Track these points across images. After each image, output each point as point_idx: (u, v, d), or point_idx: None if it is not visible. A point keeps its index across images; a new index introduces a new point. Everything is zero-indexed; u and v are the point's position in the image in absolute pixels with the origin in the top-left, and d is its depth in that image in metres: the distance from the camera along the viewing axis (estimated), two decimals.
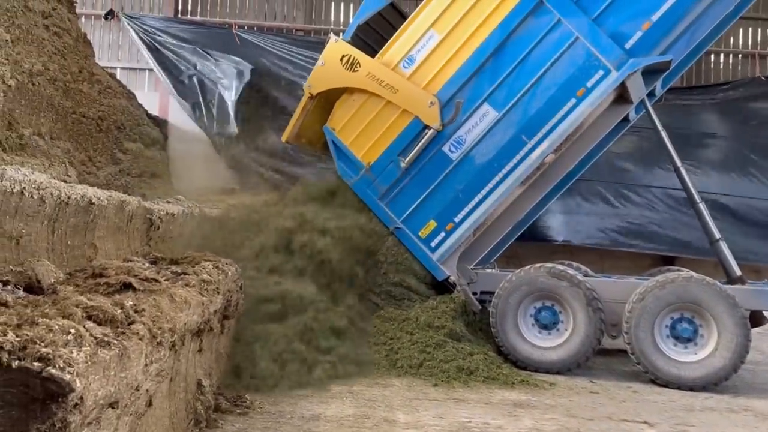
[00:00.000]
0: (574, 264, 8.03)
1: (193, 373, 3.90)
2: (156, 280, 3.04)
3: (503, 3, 6.81)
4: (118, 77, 11.41)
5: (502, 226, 7.33)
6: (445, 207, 7.09)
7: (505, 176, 6.88)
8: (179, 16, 13.12)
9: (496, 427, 4.57)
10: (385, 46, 7.34)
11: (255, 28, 12.81)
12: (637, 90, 6.79)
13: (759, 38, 13.45)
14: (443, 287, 7.21)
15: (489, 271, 7.43)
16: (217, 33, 11.50)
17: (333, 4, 13.34)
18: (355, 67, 7.22)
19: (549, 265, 6.72)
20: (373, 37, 7.97)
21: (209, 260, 4.41)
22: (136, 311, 2.44)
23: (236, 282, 4.81)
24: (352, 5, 13.32)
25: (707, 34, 7.00)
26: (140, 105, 10.86)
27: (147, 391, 2.57)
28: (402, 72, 7.12)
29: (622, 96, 6.81)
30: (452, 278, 7.04)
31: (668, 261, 10.76)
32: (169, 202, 6.44)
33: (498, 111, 6.85)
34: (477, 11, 6.89)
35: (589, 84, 6.59)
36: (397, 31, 7.30)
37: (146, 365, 2.34)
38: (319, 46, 11.31)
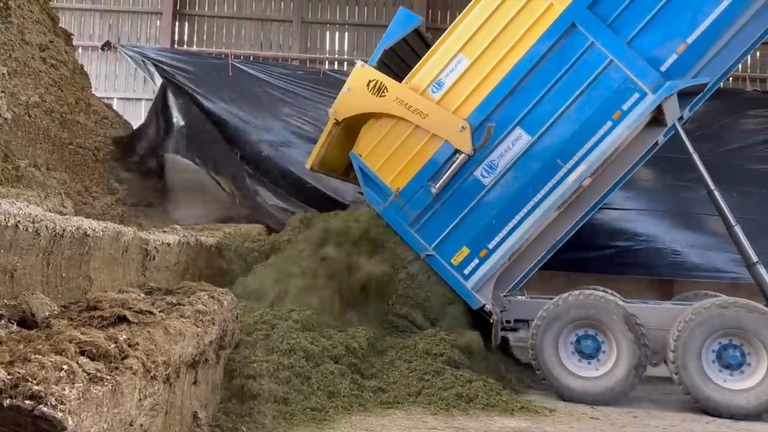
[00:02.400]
0: (600, 288, 7.83)
1: (189, 406, 3.86)
2: (150, 312, 3.02)
3: (534, 27, 6.75)
4: (114, 107, 11.48)
5: (535, 252, 7.11)
6: (479, 233, 6.94)
7: (541, 200, 6.77)
8: (176, 46, 13.26)
9: None
10: (413, 70, 7.28)
11: (251, 58, 12.94)
12: (672, 112, 6.73)
13: (749, 61, 13.62)
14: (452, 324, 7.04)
15: (521, 298, 7.22)
16: (213, 63, 11.60)
17: (327, 33, 13.51)
18: (383, 92, 7.16)
19: (589, 291, 6.60)
20: (395, 62, 7.94)
21: (205, 290, 4.39)
22: (129, 345, 2.42)
23: (232, 311, 4.78)
24: (346, 35, 13.49)
25: (737, 57, 6.92)
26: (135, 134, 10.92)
27: (141, 425, 2.54)
28: (431, 96, 7.06)
29: (656, 118, 6.71)
30: (488, 307, 6.83)
31: (666, 284, 10.76)
32: (164, 231, 6.44)
33: (531, 135, 6.77)
34: (507, 35, 6.84)
35: (624, 107, 6.54)
36: (425, 56, 7.24)
37: (140, 400, 2.32)
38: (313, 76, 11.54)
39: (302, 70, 12.24)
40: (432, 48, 7.25)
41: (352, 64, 13.40)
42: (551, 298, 7.01)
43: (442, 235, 7.02)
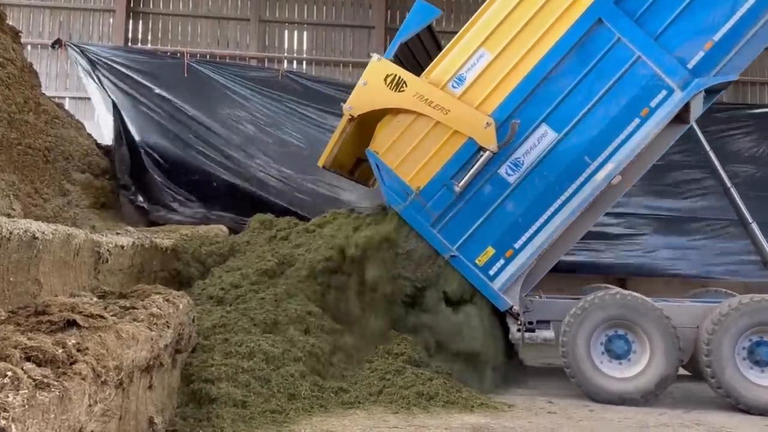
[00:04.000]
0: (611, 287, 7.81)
1: (144, 411, 3.78)
2: (102, 316, 2.95)
3: (559, 21, 6.62)
4: (66, 107, 11.16)
5: (558, 251, 6.97)
6: (504, 233, 6.77)
7: (568, 199, 6.65)
8: (129, 44, 12.97)
9: None
10: (431, 65, 7.05)
11: (207, 56, 12.74)
12: (697, 110, 6.69)
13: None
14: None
15: (541, 298, 7.10)
16: (167, 63, 11.37)
17: (286, 32, 13.40)
18: (401, 87, 6.88)
19: (618, 290, 6.57)
20: (406, 57, 7.69)
21: (159, 293, 4.30)
22: (79, 350, 2.35)
23: (188, 314, 4.70)
24: (305, 34, 13.40)
25: (753, 56, 6.81)
26: (89, 135, 10.65)
27: (92, 431, 2.48)
28: (451, 92, 6.83)
29: (678, 116, 6.63)
30: (515, 308, 6.69)
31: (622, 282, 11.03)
32: (118, 233, 6.29)
33: (557, 132, 6.65)
34: (531, 29, 6.69)
35: (652, 104, 6.48)
36: (443, 50, 7.03)
37: (90, 405, 2.26)
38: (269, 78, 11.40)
39: (260, 69, 12.11)
40: (451, 42, 7.01)
41: (311, 63, 13.38)
42: (573, 299, 7.03)
43: (466, 235, 6.82)
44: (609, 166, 6.55)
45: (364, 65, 13.20)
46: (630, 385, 6.22)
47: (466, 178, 6.70)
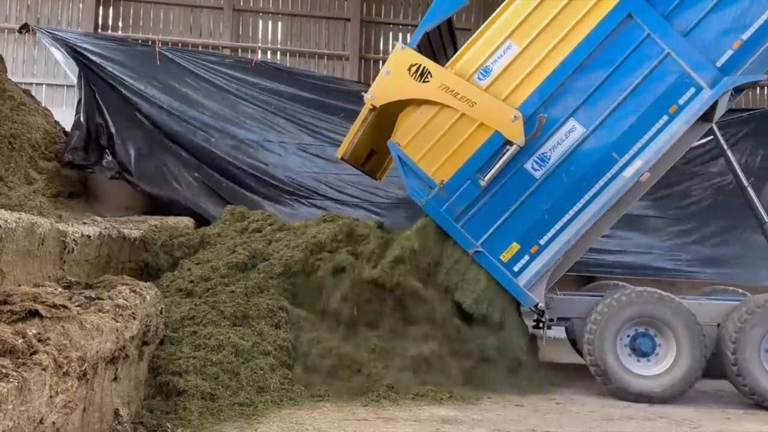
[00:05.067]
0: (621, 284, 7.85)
1: (110, 403, 3.73)
2: (65, 307, 2.89)
3: (589, 15, 6.55)
4: (33, 93, 10.89)
5: (580, 248, 6.90)
6: (530, 228, 6.65)
7: (595, 195, 6.56)
8: (99, 31, 12.71)
9: None
10: (456, 55, 6.92)
11: (180, 45, 12.54)
12: (722, 109, 6.70)
13: None
14: None
15: (562, 295, 7.01)
16: (139, 51, 11.16)
17: (261, 22, 13.25)
18: (426, 77, 6.72)
19: (646, 288, 6.59)
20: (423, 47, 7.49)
21: (126, 284, 4.24)
22: (40, 340, 2.31)
23: (156, 306, 4.64)
24: (279, 24, 13.27)
25: None
26: (57, 122, 10.41)
27: (53, 423, 2.43)
28: (477, 83, 6.69)
29: (703, 114, 6.58)
30: (541, 305, 6.61)
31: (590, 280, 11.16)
32: (85, 223, 6.16)
33: (586, 127, 6.57)
34: (559, 23, 6.60)
35: (680, 101, 6.45)
36: (469, 41, 6.90)
37: (51, 397, 2.22)
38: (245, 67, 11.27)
39: (233, 59, 11.96)
40: (477, 32, 6.90)
41: (285, 54, 13.27)
42: (592, 296, 7.02)
43: (490, 231, 6.69)
44: (637, 163, 6.49)
45: (339, 57, 13.34)
46: (656, 382, 6.26)
47: (491, 172, 6.58)
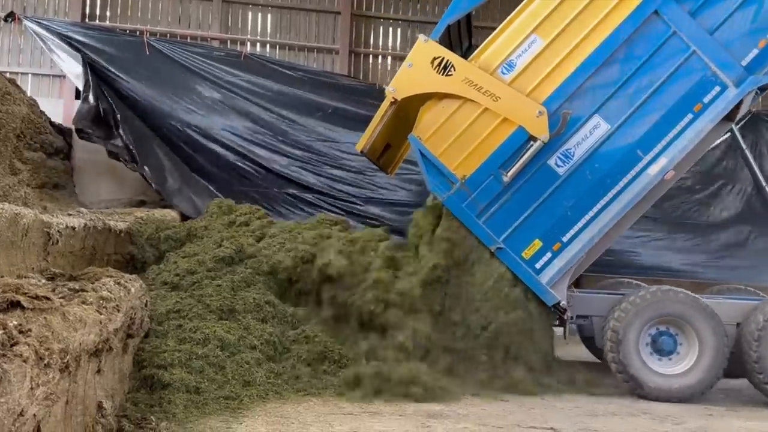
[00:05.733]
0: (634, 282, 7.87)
1: (93, 395, 3.70)
2: (47, 298, 2.86)
3: (615, 11, 6.49)
4: (18, 83, 10.76)
5: (601, 246, 6.84)
6: (552, 225, 6.59)
7: (619, 192, 6.51)
8: (87, 21, 12.55)
9: None
10: (479, 49, 6.81)
11: (168, 36, 12.43)
12: (745, 108, 6.68)
13: None
14: None
15: (579, 293, 6.96)
16: (127, 41, 11.05)
17: (250, 13, 13.15)
18: (449, 70, 6.61)
19: (670, 287, 6.59)
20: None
21: (111, 276, 4.20)
22: (21, 332, 2.28)
23: (141, 299, 4.61)
24: (269, 16, 13.18)
25: None
26: (42, 112, 10.30)
27: (34, 416, 2.40)
28: (501, 78, 6.60)
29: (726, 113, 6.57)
30: (563, 303, 6.55)
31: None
32: (70, 214, 6.10)
33: (611, 124, 6.51)
34: (585, 18, 6.54)
35: (705, 99, 6.41)
36: (492, 34, 6.83)
37: (32, 389, 2.19)
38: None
39: (222, 51, 11.87)
40: (500, 26, 6.82)
41: (274, 46, 13.19)
42: (612, 294, 7.01)
43: (513, 227, 6.61)
44: (662, 161, 6.46)
45: (329, 51, 13.26)
46: (679, 381, 6.27)
47: (514, 168, 6.50)
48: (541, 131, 6.43)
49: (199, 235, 7.87)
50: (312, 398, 5.56)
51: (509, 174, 6.51)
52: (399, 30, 13.62)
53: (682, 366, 6.35)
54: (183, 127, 10.54)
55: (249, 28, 13.09)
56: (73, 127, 10.31)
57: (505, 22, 6.80)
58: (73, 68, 10.61)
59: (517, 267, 6.60)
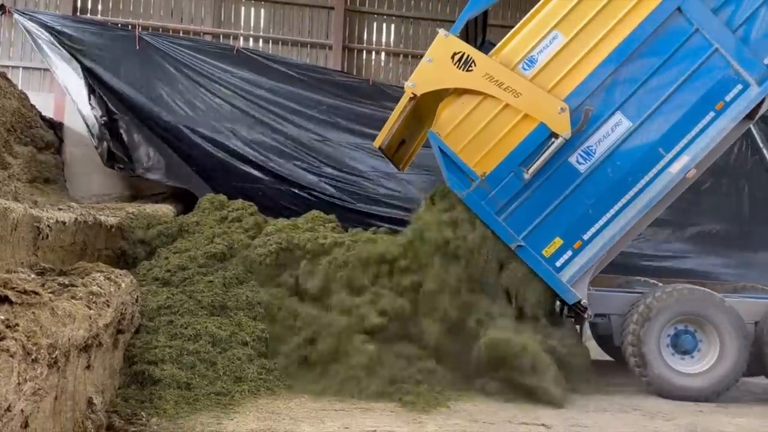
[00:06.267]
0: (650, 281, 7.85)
1: (83, 391, 3.68)
2: (36, 293, 2.83)
3: (637, 7, 6.45)
4: (9, 76, 10.67)
5: (622, 244, 6.83)
6: (573, 223, 6.53)
7: (641, 190, 6.47)
8: (78, 14, 12.46)
9: None
10: (499, 45, 6.73)
11: (160, 30, 12.35)
12: (766, 106, 6.66)
13: None
14: None
15: (595, 291, 6.86)
16: (119, 35, 10.97)
17: (243, 8, 13.09)
18: (470, 66, 6.50)
19: (691, 286, 6.58)
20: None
21: (101, 271, 4.18)
22: (8, 326, 2.26)
23: (131, 294, 4.59)
24: (263, 11, 13.13)
25: None
26: (33, 106, 10.23)
27: (22, 411, 2.38)
28: (521, 74, 6.53)
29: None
30: (584, 302, 6.49)
31: None
32: (60, 209, 6.06)
33: (632, 121, 6.46)
34: (607, 14, 6.48)
35: (727, 98, 6.39)
36: (512, 30, 6.74)
37: (19, 384, 2.17)
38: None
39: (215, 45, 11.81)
40: (521, 22, 6.73)
41: (267, 41, 13.14)
42: (631, 292, 7.00)
43: (533, 225, 6.54)
44: (684, 159, 6.43)
45: (322, 46, 13.22)
46: (700, 380, 6.28)
47: (535, 165, 6.44)
48: (563, 128, 6.37)
49: (190, 230, 7.81)
50: (304, 395, 5.55)
51: (530, 171, 6.46)
52: (393, 26, 13.59)
53: (703, 365, 6.36)
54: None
55: (242, 23, 13.03)
56: (64, 122, 10.27)
57: (525, 18, 6.73)
58: (62, 72, 10.57)
59: (538, 265, 6.54)
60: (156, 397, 4.85)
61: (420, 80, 6.75)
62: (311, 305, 6.60)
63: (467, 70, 6.55)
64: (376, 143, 7.27)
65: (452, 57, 6.59)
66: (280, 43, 13.13)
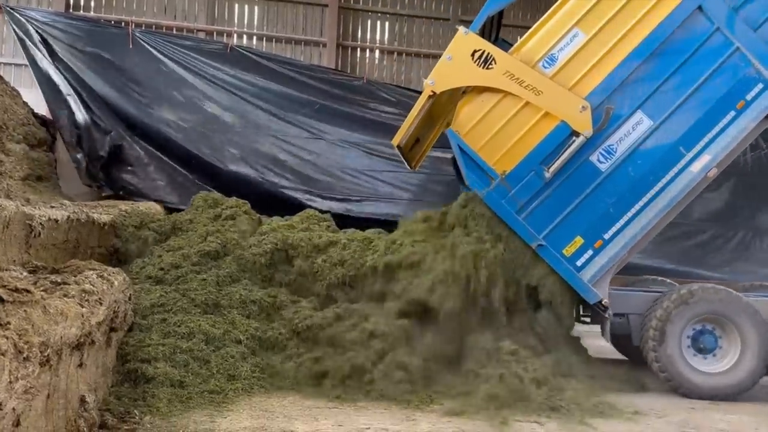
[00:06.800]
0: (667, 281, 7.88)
1: (75, 389, 3.67)
2: (28, 291, 2.82)
3: (658, 6, 6.45)
4: (1, 73, 10.61)
5: (643, 243, 6.78)
6: (594, 222, 6.52)
7: (662, 189, 6.47)
8: (71, 11, 12.40)
9: None
10: (518, 42, 6.72)
11: (153, 27, 12.30)
12: None
13: None
14: None
15: (613, 290, 6.78)
16: (112, 32, 10.90)
17: (237, 5, 13.06)
18: (490, 63, 6.48)
19: (713, 285, 6.58)
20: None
21: (94, 269, 4.16)
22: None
23: (124, 292, 4.57)
24: (256, 8, 13.10)
25: None
26: (25, 103, 10.15)
27: (13, 409, 2.37)
28: (542, 71, 6.52)
29: None
30: (605, 301, 6.49)
31: None
32: (53, 207, 6.03)
33: (653, 120, 6.46)
34: (628, 13, 6.48)
35: (748, 97, 6.40)
36: (532, 28, 6.73)
37: (11, 382, 2.17)
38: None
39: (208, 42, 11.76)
40: (541, 20, 6.72)
41: (261, 39, 13.11)
42: (650, 291, 6.98)
43: (554, 224, 6.52)
44: (705, 158, 6.43)
45: (316, 44, 13.20)
46: (721, 380, 6.28)
47: (556, 163, 6.41)
48: (585, 126, 6.35)
49: (184, 228, 7.79)
50: (297, 393, 5.54)
51: (551, 170, 6.43)
52: (387, 23, 13.59)
53: (724, 364, 6.35)
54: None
55: (236, 20, 13.00)
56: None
57: (545, 16, 6.73)
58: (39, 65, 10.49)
59: (559, 265, 6.53)
60: (149, 396, 4.84)
61: (439, 78, 6.71)
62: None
63: (487, 68, 6.53)
64: (395, 141, 7.23)
65: (472, 54, 6.56)
66: (274, 40, 13.11)
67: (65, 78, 10.26)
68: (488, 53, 6.53)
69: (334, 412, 5.03)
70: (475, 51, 6.56)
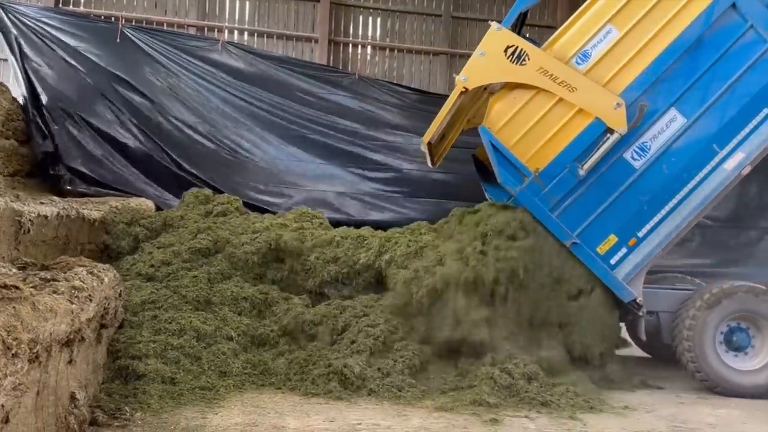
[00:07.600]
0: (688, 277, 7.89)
1: (65, 386, 3.66)
2: (16, 287, 2.81)
3: (692, 3, 6.42)
4: None
5: (676, 241, 6.75)
6: (628, 220, 6.48)
7: (695, 187, 6.45)
8: (60, 6, 12.30)
9: (386, 428, 4.60)
10: (551, 38, 6.66)
11: (144, 23, 12.23)
12: None
13: None
14: None
15: (648, 288, 6.75)
16: (102, 27, 10.81)
17: (227, 1, 12.99)
18: (523, 60, 6.42)
19: (746, 283, 6.55)
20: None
21: (84, 265, 4.15)
22: None
23: (115, 289, 4.56)
24: (247, 3, 13.04)
25: None
26: (14, 99, 10.08)
27: (2, 406, 2.37)
28: (575, 68, 6.46)
29: None
30: (639, 299, 6.45)
31: None
32: (42, 203, 6.00)
33: (687, 117, 6.44)
34: (662, 9, 6.45)
35: None
36: (564, 24, 6.71)
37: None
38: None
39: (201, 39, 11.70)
40: (573, 16, 6.68)
41: (252, 34, 13.05)
42: (682, 289, 6.99)
43: (587, 222, 6.47)
44: (738, 156, 6.43)
45: (307, 39, 13.16)
46: (756, 378, 6.30)
47: (590, 161, 6.36)
48: (619, 123, 6.30)
49: (175, 225, 7.76)
50: (290, 390, 5.53)
51: (585, 167, 6.38)
52: (379, 19, 13.54)
53: (757, 362, 6.39)
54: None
55: (227, 15, 12.94)
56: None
57: (578, 12, 6.69)
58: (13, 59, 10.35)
59: (593, 263, 6.48)
60: (140, 392, 4.83)
61: (472, 74, 6.64)
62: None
63: (521, 64, 6.46)
64: (425, 139, 7.18)
65: (505, 51, 6.50)
66: (265, 36, 13.05)
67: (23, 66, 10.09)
68: (521, 49, 6.47)
69: (325, 408, 5.04)
70: (508, 47, 6.50)
